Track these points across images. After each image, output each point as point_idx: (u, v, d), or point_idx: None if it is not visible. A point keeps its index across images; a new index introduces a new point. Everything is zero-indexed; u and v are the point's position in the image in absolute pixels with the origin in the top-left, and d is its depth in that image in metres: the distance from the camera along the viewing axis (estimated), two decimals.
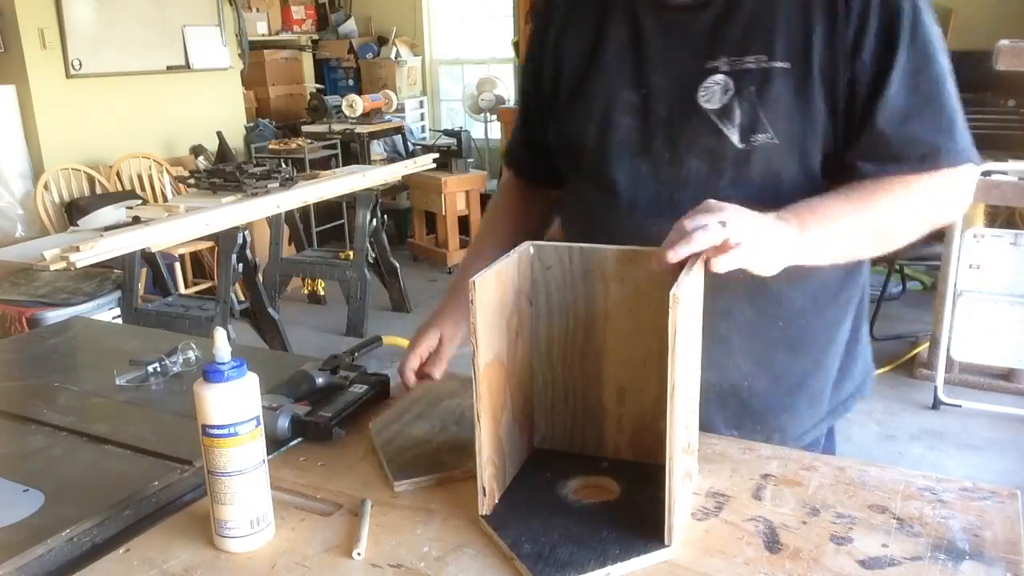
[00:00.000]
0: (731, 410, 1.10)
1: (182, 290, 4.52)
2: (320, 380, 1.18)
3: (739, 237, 0.84)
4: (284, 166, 4.40)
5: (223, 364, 0.84)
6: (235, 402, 0.84)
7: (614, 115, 1.09)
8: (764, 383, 1.10)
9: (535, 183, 1.32)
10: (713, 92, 1.02)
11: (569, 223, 1.24)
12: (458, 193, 5.63)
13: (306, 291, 5.17)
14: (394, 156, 6.54)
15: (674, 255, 0.83)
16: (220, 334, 0.85)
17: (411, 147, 6.56)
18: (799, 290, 1.07)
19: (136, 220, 3.44)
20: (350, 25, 7.27)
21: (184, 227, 3.39)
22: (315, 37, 7.18)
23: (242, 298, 4.00)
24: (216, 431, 0.84)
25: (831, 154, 1.02)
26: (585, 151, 1.12)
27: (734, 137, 1.01)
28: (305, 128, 6.27)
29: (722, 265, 0.83)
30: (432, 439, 1.05)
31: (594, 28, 1.12)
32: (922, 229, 1.03)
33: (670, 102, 1.05)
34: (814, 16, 1.00)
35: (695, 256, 0.83)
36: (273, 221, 4.48)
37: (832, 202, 0.98)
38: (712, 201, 0.88)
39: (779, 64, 1.00)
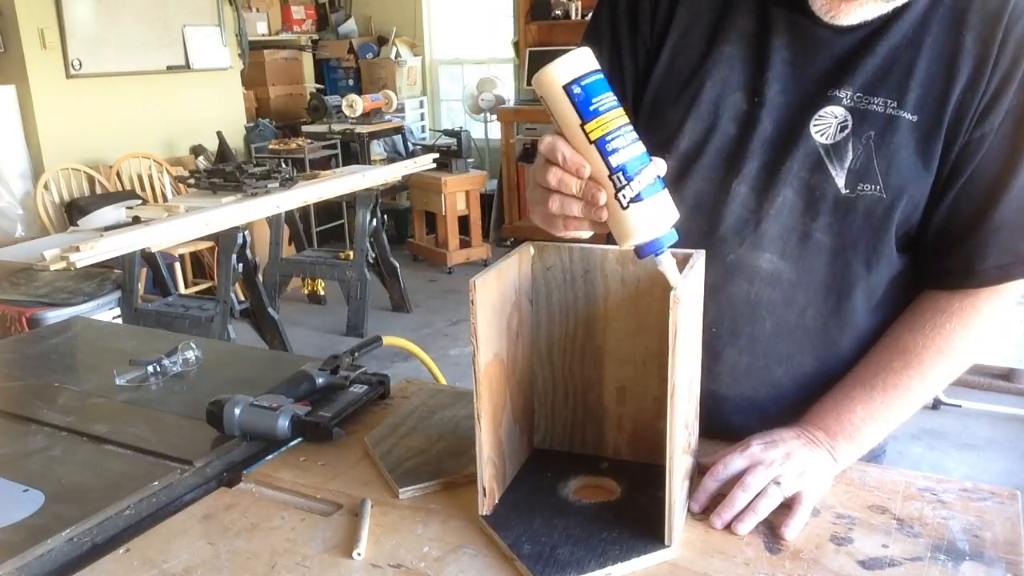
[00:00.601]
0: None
1: (182, 290, 4.53)
2: (320, 380, 1.18)
3: (795, 489, 0.87)
4: (284, 166, 4.40)
5: None
6: None
7: (719, 118, 0.98)
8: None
9: None
10: (828, 124, 0.94)
11: None
12: (458, 193, 5.63)
13: (306, 291, 5.17)
14: (394, 156, 6.54)
15: (743, 528, 0.85)
16: None
17: (411, 147, 6.57)
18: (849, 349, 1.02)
19: (136, 220, 3.44)
20: (350, 25, 7.27)
21: (184, 227, 3.40)
22: (315, 37, 7.18)
23: (242, 298, 4.01)
24: None
25: (924, 226, 0.96)
26: (676, 148, 0.99)
27: (839, 180, 0.93)
28: (305, 128, 6.27)
29: (794, 532, 0.85)
30: (431, 448, 1.05)
31: (715, 10, 1.00)
32: (980, 354, 0.98)
33: (780, 121, 0.96)
34: (958, 74, 0.90)
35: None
36: (273, 221, 4.48)
37: (858, 396, 0.95)
38: (758, 449, 0.90)
39: (906, 115, 0.91)
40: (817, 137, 0.94)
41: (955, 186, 0.93)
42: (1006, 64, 0.90)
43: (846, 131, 0.93)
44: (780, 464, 0.88)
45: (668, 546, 0.83)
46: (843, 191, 0.93)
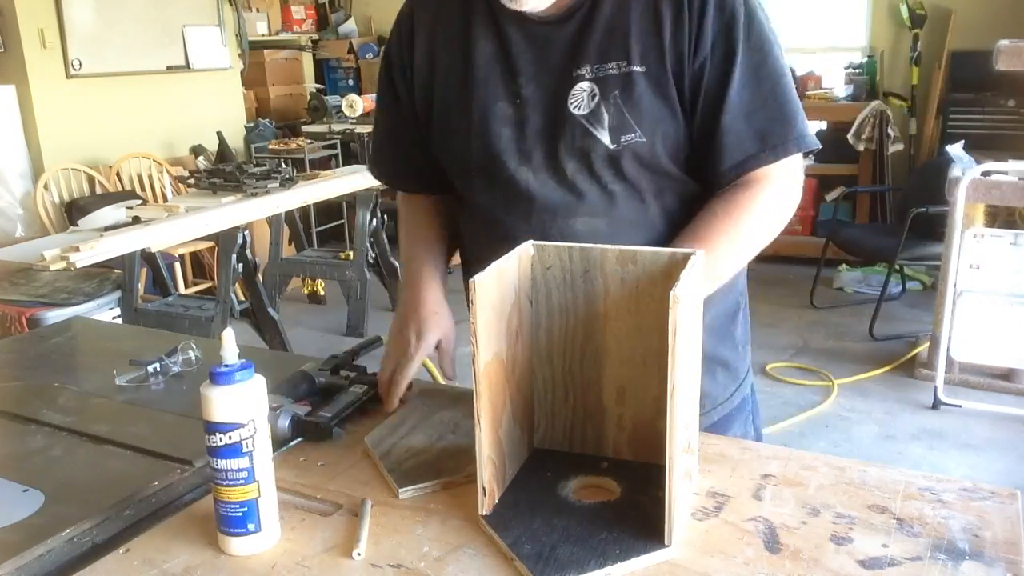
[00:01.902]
0: None
1: (182, 290, 4.53)
2: (320, 380, 1.18)
3: None
4: (284, 166, 4.40)
5: (230, 366, 0.84)
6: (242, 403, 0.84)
7: (492, 126, 1.13)
8: None
9: (426, 195, 1.34)
10: (581, 99, 1.09)
11: (471, 231, 1.26)
12: None
13: (306, 291, 5.17)
14: None
15: None
16: (228, 336, 0.85)
17: None
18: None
19: (136, 220, 3.44)
20: (350, 25, 7.27)
21: (184, 227, 3.40)
22: (315, 37, 7.18)
23: (242, 298, 4.01)
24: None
25: (692, 149, 1.11)
26: (473, 164, 1.16)
27: (605, 139, 1.08)
28: (305, 128, 6.27)
29: None
30: (431, 447, 1.04)
31: (461, 42, 1.16)
32: (780, 226, 1.14)
33: (544, 111, 1.11)
34: (663, 21, 1.07)
35: None
36: (273, 221, 4.48)
37: (707, 237, 1.08)
38: None
39: (636, 68, 1.07)
40: (575, 111, 1.09)
41: (697, 112, 1.09)
42: (698, 1, 1.06)
43: (596, 98, 1.08)
44: None
45: (668, 546, 0.83)
46: (611, 147, 1.09)
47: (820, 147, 1.12)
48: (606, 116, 1.08)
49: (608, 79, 1.08)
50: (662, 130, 1.08)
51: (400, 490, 0.95)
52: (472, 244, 1.25)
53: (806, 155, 1.14)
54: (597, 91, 1.08)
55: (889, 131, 5.19)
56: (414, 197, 1.35)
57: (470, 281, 0.83)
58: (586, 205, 1.12)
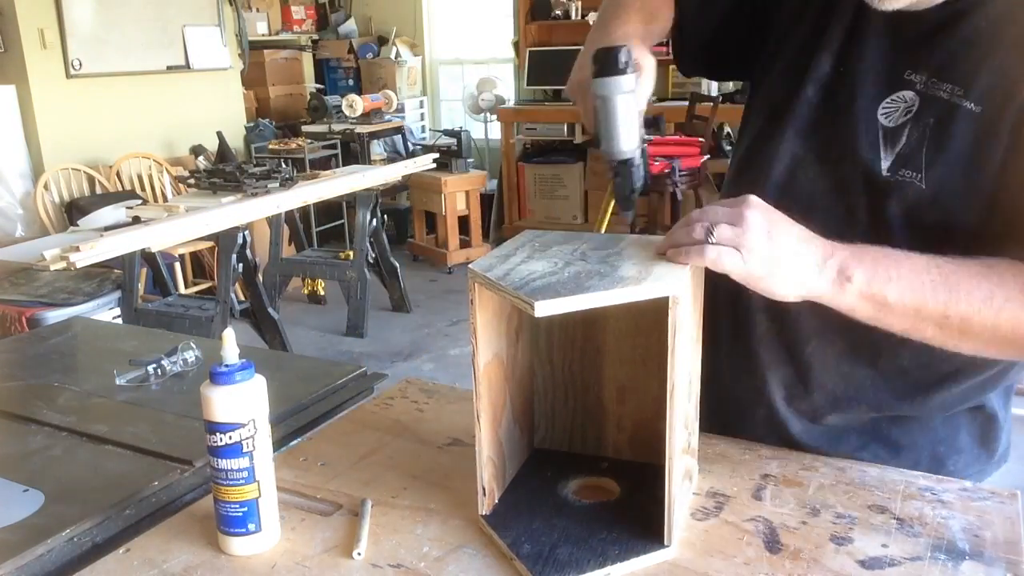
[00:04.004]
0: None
1: (182, 290, 4.53)
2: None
3: (749, 256, 0.80)
4: (284, 166, 4.39)
5: (231, 366, 0.84)
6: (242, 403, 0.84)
7: (808, 78, 0.97)
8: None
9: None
10: (896, 107, 0.91)
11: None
12: (458, 193, 5.63)
13: (306, 291, 5.17)
14: (394, 156, 6.54)
15: (684, 259, 0.80)
16: (228, 336, 0.85)
17: (411, 147, 6.56)
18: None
19: (136, 220, 3.44)
20: (350, 25, 7.27)
21: (184, 227, 3.39)
22: (315, 37, 7.18)
23: (242, 298, 4.01)
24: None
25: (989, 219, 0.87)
26: (770, 103, 1.01)
27: (884, 163, 0.90)
28: (305, 128, 6.27)
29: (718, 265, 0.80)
30: (559, 271, 0.83)
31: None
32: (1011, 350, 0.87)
33: (854, 94, 0.94)
34: None
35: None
36: (273, 221, 4.48)
37: (912, 264, 0.83)
38: (745, 202, 0.81)
39: (969, 104, 0.86)
40: (882, 119, 0.91)
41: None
42: None
43: (909, 115, 0.90)
44: (750, 235, 0.79)
45: (667, 546, 0.83)
46: (884, 173, 0.90)
47: None
48: (903, 140, 0.88)
49: (934, 101, 0.87)
50: (953, 187, 0.86)
51: (536, 304, 0.74)
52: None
53: None
54: (915, 108, 0.89)
55: None
56: None
57: (469, 280, 0.82)
58: (821, 213, 0.91)
